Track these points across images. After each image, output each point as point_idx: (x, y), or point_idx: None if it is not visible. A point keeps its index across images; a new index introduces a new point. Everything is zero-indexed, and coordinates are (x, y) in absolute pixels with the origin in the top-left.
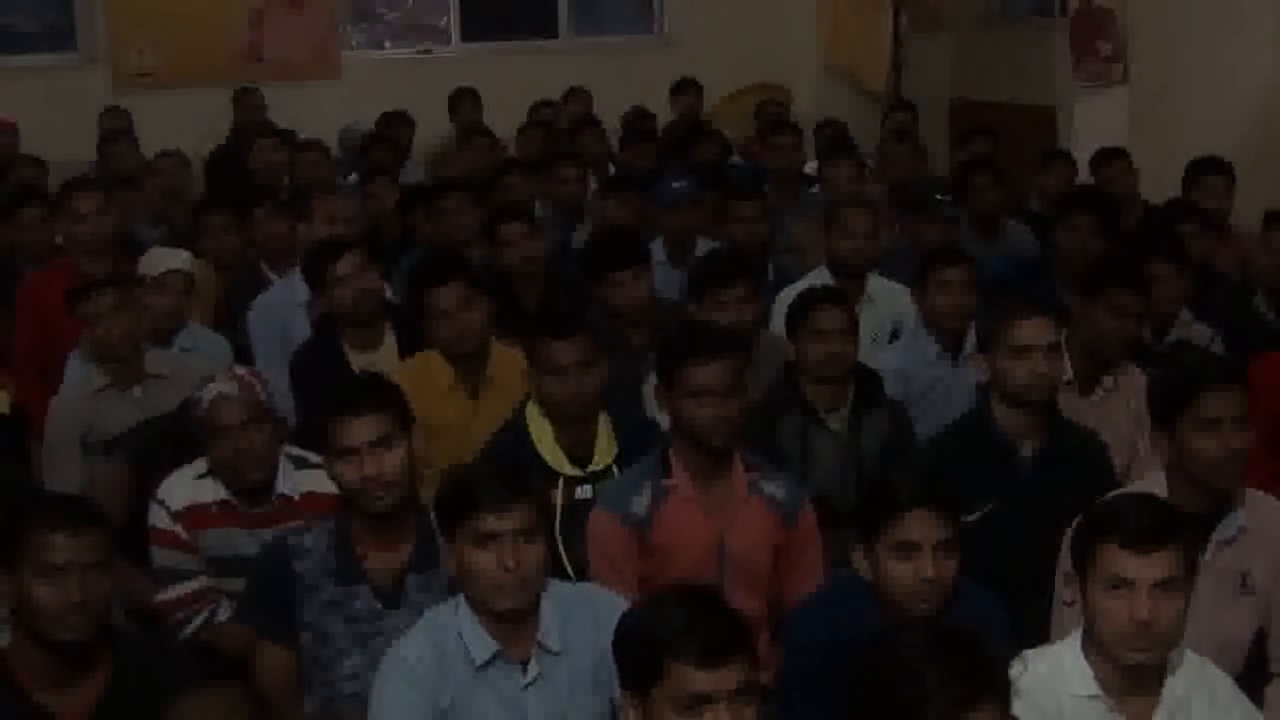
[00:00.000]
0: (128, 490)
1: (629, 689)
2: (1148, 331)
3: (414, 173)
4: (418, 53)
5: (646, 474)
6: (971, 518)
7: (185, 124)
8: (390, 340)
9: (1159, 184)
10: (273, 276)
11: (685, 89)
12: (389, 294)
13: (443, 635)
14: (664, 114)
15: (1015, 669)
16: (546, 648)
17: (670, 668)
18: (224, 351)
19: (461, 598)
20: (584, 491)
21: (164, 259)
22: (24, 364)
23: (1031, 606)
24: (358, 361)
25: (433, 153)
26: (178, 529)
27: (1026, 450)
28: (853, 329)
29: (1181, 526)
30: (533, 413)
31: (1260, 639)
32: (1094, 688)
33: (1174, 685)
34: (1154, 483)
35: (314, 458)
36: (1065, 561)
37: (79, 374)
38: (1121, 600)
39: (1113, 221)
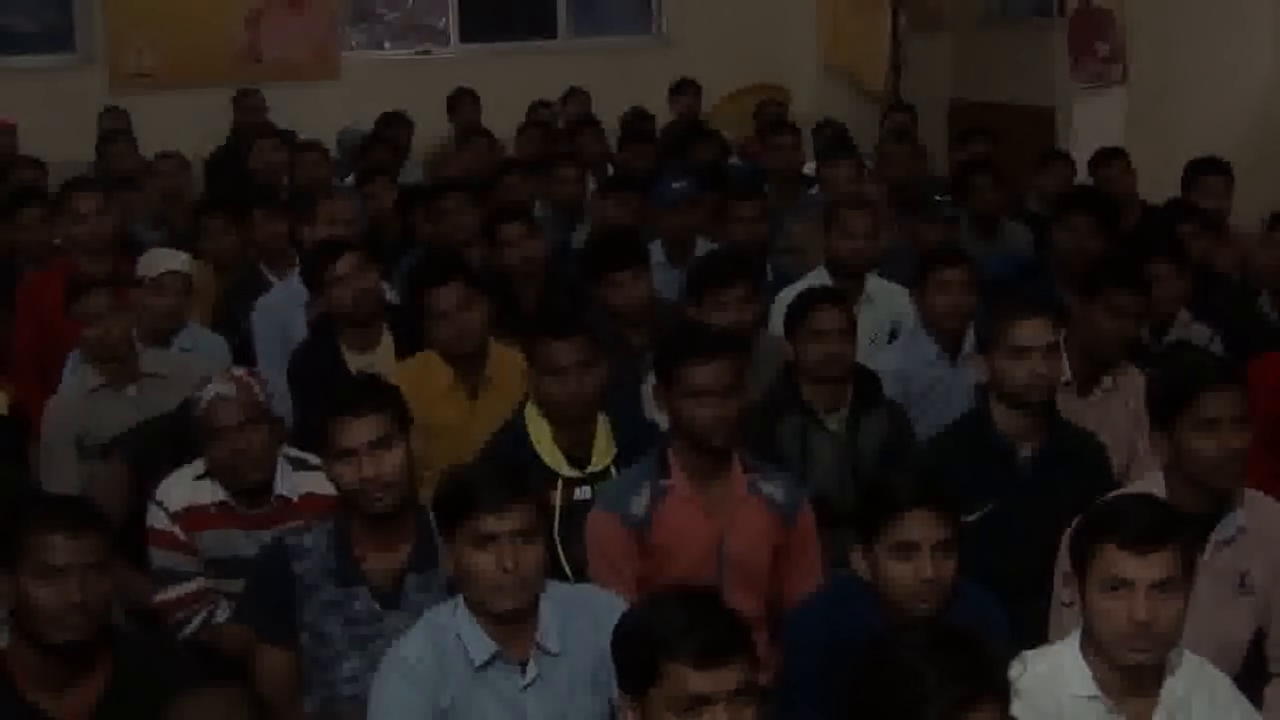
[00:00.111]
0: (127, 491)
1: (627, 690)
2: (1146, 332)
3: (413, 173)
4: (417, 53)
5: (645, 474)
6: (971, 518)
7: (184, 124)
8: (388, 341)
9: (1158, 184)
10: (272, 278)
11: (684, 89)
12: (388, 294)
13: (442, 636)
14: (663, 114)
15: (1014, 669)
16: (545, 649)
17: (668, 668)
18: (223, 352)
19: (460, 598)
20: (583, 492)
21: (163, 260)
22: (23, 365)
23: (1030, 607)
24: (355, 362)
25: (432, 153)
26: (176, 530)
27: (1025, 451)
28: (851, 329)
29: (1180, 527)
30: (532, 413)
31: (1259, 639)
32: (1093, 688)
33: (1173, 686)
34: (1153, 483)
35: (313, 459)
36: (1064, 562)
37: (76, 374)
38: (1120, 601)
39: (1111, 221)
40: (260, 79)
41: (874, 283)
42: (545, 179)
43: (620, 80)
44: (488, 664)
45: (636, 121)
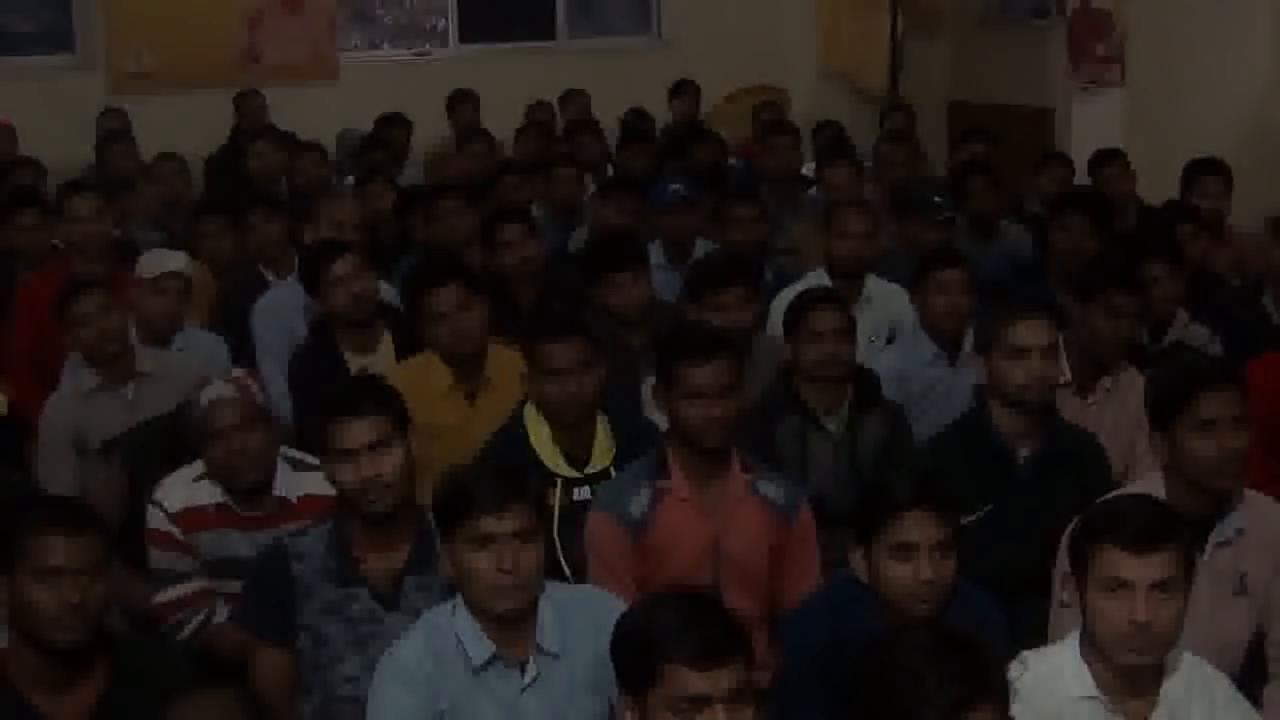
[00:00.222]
0: (125, 492)
1: (626, 691)
2: (1145, 333)
3: (412, 174)
4: (415, 54)
5: (643, 475)
6: (969, 519)
7: (183, 126)
8: (387, 342)
9: (1156, 185)
10: (270, 279)
11: (683, 91)
12: (386, 295)
13: (440, 637)
14: (662, 116)
15: (1013, 670)
16: (545, 650)
17: (666, 669)
18: (220, 353)
19: (459, 599)
20: (582, 493)
21: (161, 261)
22: (22, 366)
23: (1029, 608)
24: (355, 363)
25: (430, 154)
26: (174, 531)
27: (1024, 451)
28: (850, 330)
29: (1179, 527)
30: (531, 414)
31: (1258, 640)
32: (1092, 689)
33: (1172, 686)
34: (1152, 484)
35: (312, 460)
36: (1063, 563)
37: (73, 376)
38: (1119, 601)
39: (1107, 222)
40: (259, 80)
41: (873, 284)
42: (544, 180)
43: (619, 81)
44: (487, 665)
45: (635, 123)
